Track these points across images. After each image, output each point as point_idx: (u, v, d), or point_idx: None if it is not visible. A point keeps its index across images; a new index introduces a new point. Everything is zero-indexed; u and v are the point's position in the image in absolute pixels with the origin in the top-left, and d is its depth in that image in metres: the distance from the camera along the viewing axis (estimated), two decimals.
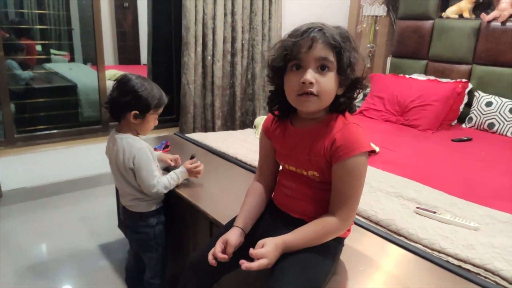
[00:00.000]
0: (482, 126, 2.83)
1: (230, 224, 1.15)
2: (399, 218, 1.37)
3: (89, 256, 2.19)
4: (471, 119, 2.90)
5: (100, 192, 2.99)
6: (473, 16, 3.09)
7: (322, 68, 0.97)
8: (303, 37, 0.96)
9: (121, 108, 1.49)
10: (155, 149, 1.94)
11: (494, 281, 1.09)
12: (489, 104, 2.81)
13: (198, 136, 2.33)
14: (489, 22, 2.90)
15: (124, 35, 5.52)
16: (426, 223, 1.36)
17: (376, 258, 1.19)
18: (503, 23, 2.83)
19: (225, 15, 3.17)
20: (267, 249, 0.96)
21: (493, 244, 1.21)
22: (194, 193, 1.60)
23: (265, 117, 2.69)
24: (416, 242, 1.24)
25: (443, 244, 1.20)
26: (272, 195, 1.22)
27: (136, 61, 5.54)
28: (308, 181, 1.08)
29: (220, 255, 1.03)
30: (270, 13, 3.39)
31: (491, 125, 2.77)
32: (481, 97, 2.87)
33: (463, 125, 2.96)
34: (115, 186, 2.23)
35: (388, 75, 3.39)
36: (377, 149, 2.21)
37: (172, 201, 1.66)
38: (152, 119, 1.57)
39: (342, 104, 1.03)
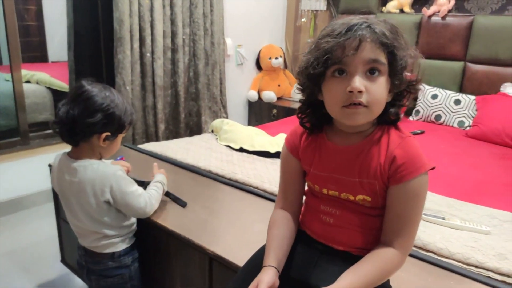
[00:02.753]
0: (429, 118, 2.92)
1: (252, 267, 0.94)
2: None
3: None
4: (418, 111, 2.98)
5: (26, 218, 2.49)
6: (413, 10, 3.17)
7: (371, 72, 0.80)
8: (348, 36, 0.78)
9: (86, 130, 1.16)
10: None
11: None
12: (434, 96, 2.90)
13: (155, 146, 2.01)
14: (429, 16, 2.99)
15: (27, 29, 4.78)
16: (445, 233, 1.27)
17: (428, 285, 1.05)
18: (443, 17, 2.94)
19: (163, 6, 2.84)
20: None
21: None
22: (179, 221, 1.33)
23: (224, 120, 2.47)
24: (449, 258, 1.14)
25: (478, 257, 1.12)
26: (302, 222, 1.02)
27: (43, 58, 4.86)
28: (355, 206, 0.90)
29: None
30: (212, 5, 3.12)
31: (438, 117, 2.88)
32: (427, 90, 2.96)
33: (410, 118, 3.03)
34: (55, 215, 1.85)
35: None
36: None
37: (146, 231, 1.37)
38: (120, 138, 1.27)
39: (393, 114, 0.87)
